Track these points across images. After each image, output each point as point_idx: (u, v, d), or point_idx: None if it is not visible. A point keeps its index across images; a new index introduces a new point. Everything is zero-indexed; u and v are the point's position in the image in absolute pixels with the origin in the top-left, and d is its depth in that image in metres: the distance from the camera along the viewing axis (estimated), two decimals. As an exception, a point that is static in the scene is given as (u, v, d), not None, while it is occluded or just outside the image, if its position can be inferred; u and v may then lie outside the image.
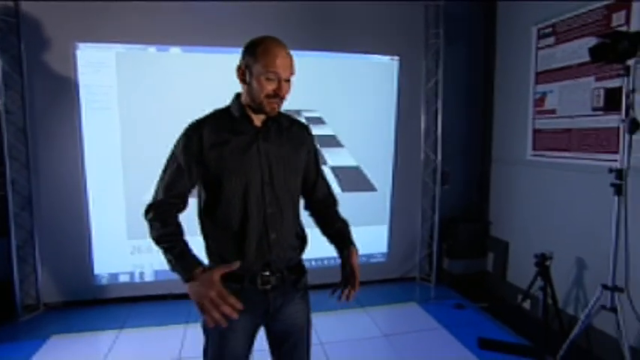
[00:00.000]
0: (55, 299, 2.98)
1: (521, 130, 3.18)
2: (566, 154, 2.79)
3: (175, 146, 1.26)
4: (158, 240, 1.22)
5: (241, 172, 1.21)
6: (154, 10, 2.85)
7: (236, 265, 1.13)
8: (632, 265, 2.16)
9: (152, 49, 2.93)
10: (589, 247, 2.65)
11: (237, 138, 1.22)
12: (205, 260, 1.26)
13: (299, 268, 1.35)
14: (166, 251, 1.19)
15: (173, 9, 2.88)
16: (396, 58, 3.40)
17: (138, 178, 2.98)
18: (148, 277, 3.09)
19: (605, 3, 2.48)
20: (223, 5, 2.97)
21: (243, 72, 1.21)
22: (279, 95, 1.18)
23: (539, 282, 2.66)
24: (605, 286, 2.22)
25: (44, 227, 2.88)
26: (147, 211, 1.26)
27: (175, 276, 3.35)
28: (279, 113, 1.28)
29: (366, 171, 3.47)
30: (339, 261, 1.32)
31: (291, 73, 1.20)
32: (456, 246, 3.62)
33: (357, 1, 3.22)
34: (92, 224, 2.96)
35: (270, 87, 1.16)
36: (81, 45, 2.81)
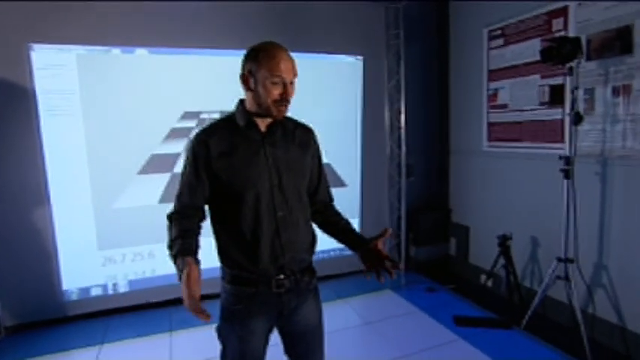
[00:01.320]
0: (17, 321, 2.75)
1: (477, 124, 3.48)
2: (518, 144, 3.11)
3: (185, 159, 1.29)
4: (170, 242, 1.24)
5: (251, 179, 1.23)
6: (117, 10, 2.72)
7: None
8: (579, 239, 2.50)
9: (116, 51, 2.80)
10: (540, 226, 2.99)
11: (244, 145, 1.24)
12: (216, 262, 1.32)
13: (310, 269, 1.38)
14: (173, 248, 1.21)
15: (137, 8, 2.77)
16: (360, 57, 3.55)
17: (107, 186, 2.85)
18: (122, 288, 2.97)
19: (546, 10, 2.80)
20: (189, 5, 2.91)
21: (247, 79, 1.21)
22: (285, 99, 1.19)
23: (502, 260, 2.97)
24: (559, 259, 2.54)
25: (2, 243, 2.66)
26: (169, 216, 1.29)
27: (151, 284, 3.25)
28: (284, 117, 1.31)
29: (336, 167, 3.59)
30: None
31: (295, 75, 1.21)
32: (420, 234, 3.87)
33: (322, 2, 3.32)
34: (58, 237, 2.78)
35: (276, 92, 1.17)
36: (36, 46, 2.62)
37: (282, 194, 1.26)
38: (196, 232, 1.28)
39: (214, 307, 1.34)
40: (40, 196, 2.72)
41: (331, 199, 1.48)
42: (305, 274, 1.34)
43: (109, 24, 2.73)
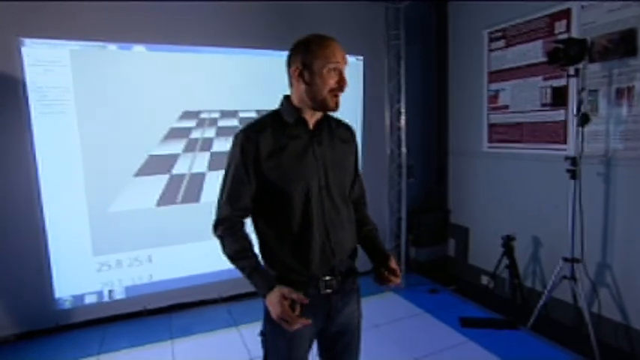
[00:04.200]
0: (6, 333, 2.59)
1: (477, 125, 3.49)
2: (519, 145, 3.14)
3: (230, 157, 1.22)
4: (232, 257, 1.21)
5: (301, 179, 1.19)
6: (113, 4, 2.60)
7: (305, 300, 1.14)
8: (585, 239, 2.53)
9: (113, 47, 2.68)
10: (542, 227, 3.02)
11: (294, 143, 1.20)
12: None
13: (354, 269, 1.35)
14: (240, 267, 1.20)
15: (135, 3, 2.66)
16: (361, 58, 3.52)
17: (103, 188, 2.72)
18: (119, 295, 2.84)
19: (548, 12, 2.83)
20: (189, 1, 2.82)
21: (300, 72, 1.16)
22: (342, 88, 1.17)
23: (505, 261, 2.98)
24: (565, 259, 2.56)
25: (-10, 250, 2.50)
26: (215, 228, 1.24)
27: (149, 290, 3.12)
28: (327, 115, 1.29)
29: (336, 169, 3.54)
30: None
31: (347, 62, 1.19)
32: (420, 235, 3.86)
33: (322, 2, 3.27)
34: (50, 242, 2.63)
35: (333, 80, 1.15)
36: (27, 41, 2.47)
37: (330, 195, 1.23)
38: (247, 242, 1.23)
39: (249, 307, 1.28)
40: (31, 199, 2.57)
41: (364, 201, 1.45)
42: (350, 274, 1.30)
43: (105, 19, 2.61)
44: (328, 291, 1.23)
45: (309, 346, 1.30)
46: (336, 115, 1.35)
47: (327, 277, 1.23)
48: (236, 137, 1.21)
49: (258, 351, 1.33)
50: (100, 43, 2.65)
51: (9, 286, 2.56)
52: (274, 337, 1.25)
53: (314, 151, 1.21)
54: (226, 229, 1.21)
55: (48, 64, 2.53)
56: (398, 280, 1.28)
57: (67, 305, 2.72)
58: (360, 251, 1.37)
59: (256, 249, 1.25)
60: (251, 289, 1.29)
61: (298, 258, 1.21)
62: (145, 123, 2.81)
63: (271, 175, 1.18)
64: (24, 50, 2.47)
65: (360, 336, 1.40)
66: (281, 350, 1.24)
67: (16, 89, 2.48)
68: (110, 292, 2.82)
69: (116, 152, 2.74)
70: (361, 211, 1.43)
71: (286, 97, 1.25)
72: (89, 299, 2.77)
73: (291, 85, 1.22)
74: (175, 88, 2.86)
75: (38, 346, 2.55)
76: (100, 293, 2.79)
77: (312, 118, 1.23)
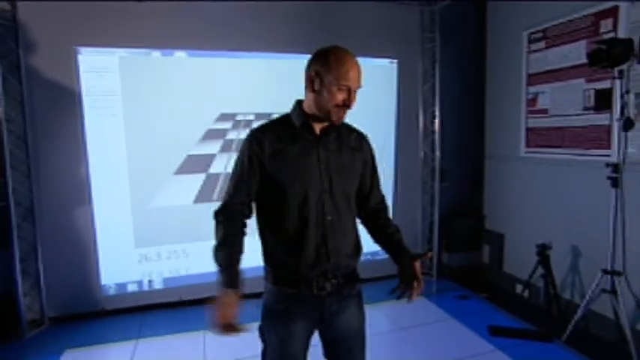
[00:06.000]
0: (60, 313, 2.86)
1: (515, 129, 3.38)
2: (559, 150, 3.00)
3: (238, 155, 1.30)
4: (219, 242, 1.25)
5: (301, 180, 1.23)
6: (158, 14, 2.80)
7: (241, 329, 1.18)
8: (627, 250, 2.38)
9: (157, 54, 2.88)
10: (582, 236, 2.86)
11: (297, 145, 1.25)
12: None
13: (354, 274, 1.36)
14: (222, 255, 1.23)
15: (177, 12, 2.84)
16: (395, 60, 3.52)
17: (145, 185, 2.92)
18: (157, 285, 3.04)
19: (593, 11, 2.69)
20: (227, 9, 2.96)
21: (312, 79, 1.20)
22: (347, 105, 1.20)
23: (540, 270, 2.86)
24: (605, 271, 2.43)
25: (47, 238, 2.77)
26: (217, 213, 1.29)
27: (185, 282, 3.29)
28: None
29: (367, 171, 3.56)
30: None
31: (360, 86, 1.21)
32: (453, 240, 3.79)
33: (357, 5, 3.31)
34: (98, 233, 2.87)
35: (340, 97, 1.17)
36: (82, 50, 2.72)
37: (332, 199, 1.26)
38: (240, 236, 1.27)
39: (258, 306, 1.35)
40: (83, 194, 2.82)
41: (384, 205, 1.45)
42: (348, 280, 1.32)
43: (151, 27, 2.82)
44: (322, 293, 1.26)
45: (306, 345, 1.32)
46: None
47: (322, 279, 1.25)
48: (245, 138, 1.29)
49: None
50: (146, 50, 2.85)
51: (63, 272, 2.83)
52: (267, 332, 1.31)
53: (318, 155, 1.24)
54: (226, 215, 1.26)
55: (99, 71, 2.77)
56: (418, 291, 1.30)
57: (112, 292, 2.95)
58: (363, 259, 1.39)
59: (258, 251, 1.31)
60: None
61: (291, 256, 1.24)
62: (185, 125, 2.98)
63: (272, 173, 1.23)
64: (80, 58, 2.72)
65: (365, 339, 1.40)
66: (274, 345, 1.28)
67: (72, 94, 2.73)
68: (150, 282, 3.02)
69: (158, 152, 2.93)
70: (383, 215, 1.43)
71: (298, 102, 1.29)
72: (131, 287, 2.99)
73: (305, 88, 1.24)
74: (213, 92, 3.02)
75: (86, 326, 2.79)
76: (140, 283, 3.00)
77: (319, 124, 1.26)
